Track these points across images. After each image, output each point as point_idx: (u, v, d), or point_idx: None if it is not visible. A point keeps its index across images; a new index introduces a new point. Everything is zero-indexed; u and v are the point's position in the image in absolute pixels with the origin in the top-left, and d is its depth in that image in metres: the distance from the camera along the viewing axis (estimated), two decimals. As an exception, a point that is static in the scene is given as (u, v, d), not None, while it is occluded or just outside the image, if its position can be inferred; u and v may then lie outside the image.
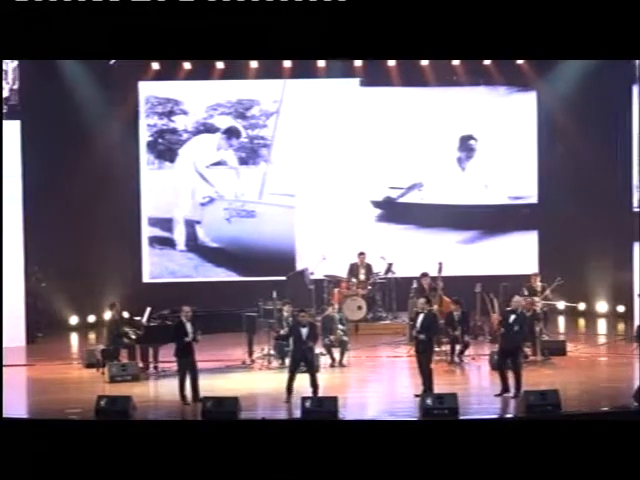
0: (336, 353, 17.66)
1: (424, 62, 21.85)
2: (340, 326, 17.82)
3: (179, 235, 23.02)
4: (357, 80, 22.56)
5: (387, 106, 22.74)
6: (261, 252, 22.73)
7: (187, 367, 15.24)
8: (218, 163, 23.02)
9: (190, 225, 23.01)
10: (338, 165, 22.78)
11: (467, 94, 22.65)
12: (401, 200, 22.98)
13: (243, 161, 23.01)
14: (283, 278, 21.06)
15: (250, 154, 23.04)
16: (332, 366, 17.54)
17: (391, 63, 21.87)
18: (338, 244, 22.27)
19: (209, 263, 22.99)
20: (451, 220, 22.77)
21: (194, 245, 23.03)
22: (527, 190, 22.89)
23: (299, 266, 22.64)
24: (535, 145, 22.79)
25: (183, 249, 23.05)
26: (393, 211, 23.01)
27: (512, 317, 15.31)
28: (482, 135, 22.86)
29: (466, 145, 22.93)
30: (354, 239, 22.34)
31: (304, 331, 15.21)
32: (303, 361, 15.19)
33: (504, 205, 22.86)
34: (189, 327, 15.35)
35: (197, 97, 22.86)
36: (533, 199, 22.91)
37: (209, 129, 23.00)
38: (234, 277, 22.72)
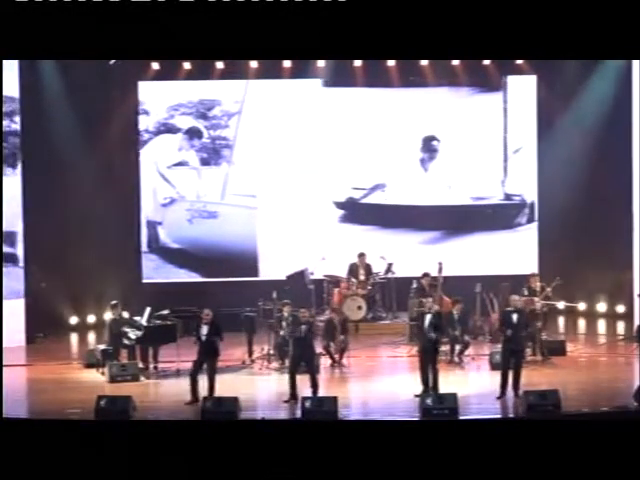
0: (335, 353, 17.66)
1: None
2: (341, 337, 17.77)
3: (141, 236, 22.92)
4: (320, 80, 22.42)
5: (350, 107, 22.62)
6: (223, 253, 22.62)
7: (200, 367, 15.24)
8: (179, 164, 22.84)
9: (151, 226, 22.88)
10: (300, 166, 22.66)
11: (430, 95, 22.53)
12: (364, 201, 22.91)
13: (205, 162, 22.88)
14: (250, 279, 21.05)
15: (212, 155, 22.90)
16: (332, 366, 17.55)
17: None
18: (301, 245, 22.30)
19: (170, 264, 22.84)
20: (414, 221, 22.72)
21: (156, 246, 22.87)
22: (490, 191, 22.87)
23: (261, 267, 22.63)
24: (500, 145, 22.74)
25: (145, 250, 22.89)
26: (356, 212, 22.92)
27: (515, 316, 15.29)
28: (445, 136, 22.77)
29: (429, 146, 22.86)
30: (317, 240, 22.36)
31: (303, 329, 15.23)
32: (303, 360, 15.20)
33: (467, 205, 22.80)
34: (204, 329, 15.32)
35: (158, 97, 22.66)
36: (495, 199, 22.87)
37: (170, 129, 22.83)
38: (231, 278, 22.52)
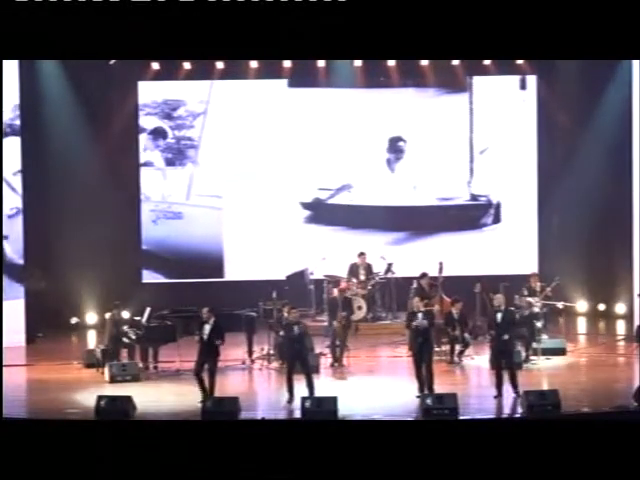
0: (337, 331, 17.66)
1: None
2: (343, 313, 17.79)
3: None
4: (285, 81, 22.34)
5: (316, 107, 22.55)
6: (189, 254, 22.50)
7: (202, 366, 15.24)
8: (144, 164, 22.66)
9: None
10: (266, 166, 22.58)
11: (396, 95, 22.48)
12: (330, 201, 22.83)
13: (170, 162, 22.73)
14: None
15: (177, 155, 22.75)
16: (332, 365, 17.54)
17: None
18: (267, 246, 22.30)
19: None
20: (380, 221, 22.66)
21: None
22: (456, 191, 22.84)
23: (227, 268, 22.55)
24: (467, 145, 22.70)
25: None
26: (322, 212, 22.85)
27: (499, 316, 15.29)
28: (411, 137, 22.71)
29: (395, 146, 22.79)
30: (283, 241, 22.37)
31: (295, 329, 15.25)
32: (298, 360, 15.20)
33: (433, 206, 22.74)
34: (207, 328, 15.30)
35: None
36: (461, 200, 22.84)
37: None
38: (232, 278, 22.47)
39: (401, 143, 22.80)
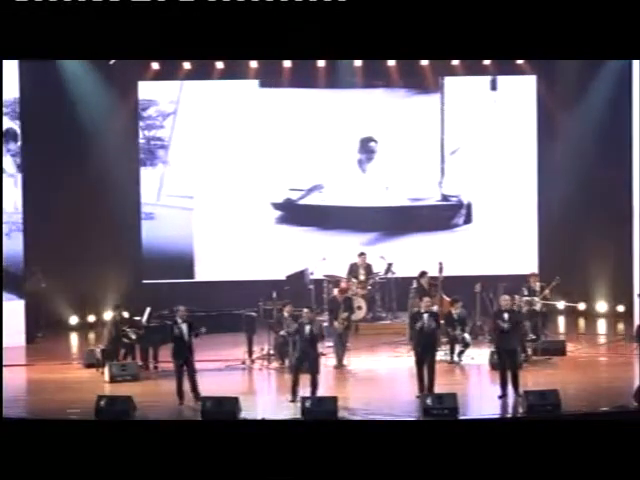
0: (339, 330, 17.64)
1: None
2: (344, 314, 17.77)
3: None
4: (256, 81, 22.30)
5: (287, 107, 22.52)
6: (159, 254, 22.45)
7: (183, 367, 15.20)
8: None
9: None
10: (237, 167, 22.51)
11: (367, 96, 22.47)
12: (301, 202, 22.81)
13: (141, 162, 22.68)
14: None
15: (147, 155, 22.68)
16: (336, 367, 17.51)
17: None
18: (238, 246, 22.32)
19: None
20: (352, 222, 22.64)
21: None
22: (427, 192, 22.82)
23: (197, 269, 22.56)
24: (438, 146, 22.69)
25: None
26: (293, 213, 22.83)
27: (506, 316, 15.29)
28: (382, 137, 22.70)
29: (366, 147, 22.78)
30: (254, 241, 22.38)
31: (307, 329, 15.23)
32: (306, 360, 15.19)
33: (405, 206, 22.72)
34: (185, 327, 15.29)
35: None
36: (433, 200, 22.82)
37: None
38: (230, 278, 22.32)
39: (372, 143, 22.80)
